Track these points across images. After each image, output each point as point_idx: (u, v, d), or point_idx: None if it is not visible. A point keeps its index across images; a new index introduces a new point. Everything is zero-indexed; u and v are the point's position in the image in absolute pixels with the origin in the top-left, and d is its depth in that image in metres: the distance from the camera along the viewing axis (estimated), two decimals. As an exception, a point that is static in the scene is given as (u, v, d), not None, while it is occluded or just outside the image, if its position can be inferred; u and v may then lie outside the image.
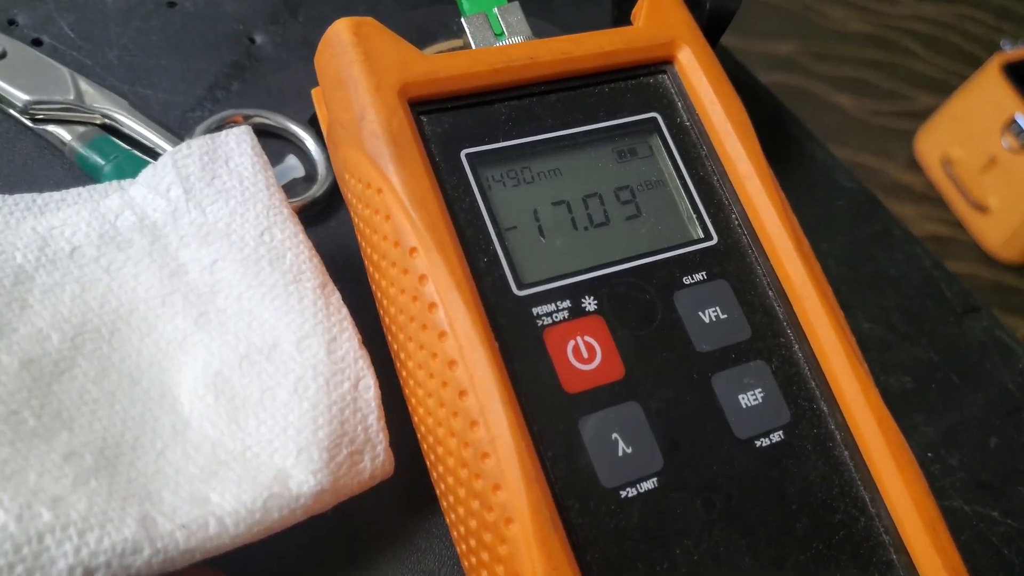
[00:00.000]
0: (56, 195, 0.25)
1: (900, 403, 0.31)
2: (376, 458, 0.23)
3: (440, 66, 0.24)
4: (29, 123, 0.29)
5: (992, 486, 0.30)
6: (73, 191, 0.25)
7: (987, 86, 1.53)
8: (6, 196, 0.24)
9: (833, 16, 1.84)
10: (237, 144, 0.25)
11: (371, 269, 0.24)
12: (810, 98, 1.70)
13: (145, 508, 0.20)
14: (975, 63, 1.69)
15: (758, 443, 0.23)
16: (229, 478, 0.21)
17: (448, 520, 0.22)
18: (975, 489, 0.30)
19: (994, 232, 1.56)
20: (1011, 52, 1.54)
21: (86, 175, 0.29)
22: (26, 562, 0.17)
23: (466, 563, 0.22)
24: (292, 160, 0.31)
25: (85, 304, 0.23)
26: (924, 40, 1.84)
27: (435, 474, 0.23)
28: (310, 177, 0.31)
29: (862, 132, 1.68)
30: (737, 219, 0.25)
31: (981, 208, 1.56)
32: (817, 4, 1.86)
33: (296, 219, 0.24)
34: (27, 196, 0.24)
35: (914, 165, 1.66)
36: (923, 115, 1.69)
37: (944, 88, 1.71)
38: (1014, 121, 1.47)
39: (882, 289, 0.34)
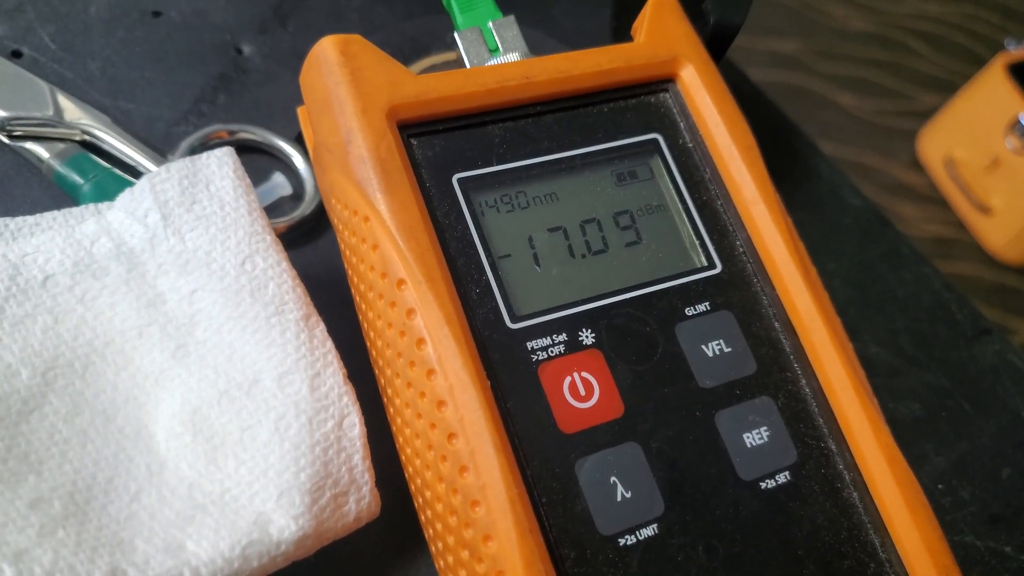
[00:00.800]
0: (30, 219, 0.23)
1: (909, 432, 0.30)
2: (362, 499, 0.22)
3: (431, 87, 0.23)
4: (6, 140, 0.28)
5: (1005, 519, 0.29)
6: (47, 215, 0.24)
7: (991, 86, 1.52)
8: (-21, 221, 0.23)
9: (836, 14, 1.83)
10: (219, 167, 0.24)
11: (358, 299, 0.23)
12: (812, 97, 1.69)
13: (116, 559, 0.19)
14: (979, 63, 1.67)
15: (763, 485, 0.22)
16: (206, 523, 0.20)
17: (437, 567, 0.21)
18: (987, 523, 0.29)
19: (997, 233, 1.55)
20: (1016, 52, 1.53)
21: (64, 195, 0.28)
22: (-15, 624, 0.16)
23: (456, 613, 0.21)
24: (279, 178, 0.30)
25: (58, 336, 0.22)
26: (928, 39, 1.83)
27: (423, 517, 0.22)
28: (297, 195, 0.30)
29: (864, 132, 1.67)
30: (742, 246, 0.24)
31: (984, 209, 1.54)
32: (820, 2, 1.84)
33: (280, 246, 0.23)
34: (-1, 221, 0.23)
35: (917, 165, 1.65)
36: (926, 115, 1.67)
37: (948, 88, 1.70)
38: (1018, 122, 1.46)
39: (890, 312, 0.33)
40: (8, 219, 0.23)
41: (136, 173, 0.28)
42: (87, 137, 0.29)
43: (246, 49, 0.34)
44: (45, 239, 0.23)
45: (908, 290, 0.34)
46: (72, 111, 0.29)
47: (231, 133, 0.30)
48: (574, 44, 0.35)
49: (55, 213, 0.24)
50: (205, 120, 0.31)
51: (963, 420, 0.31)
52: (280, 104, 0.32)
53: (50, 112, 0.28)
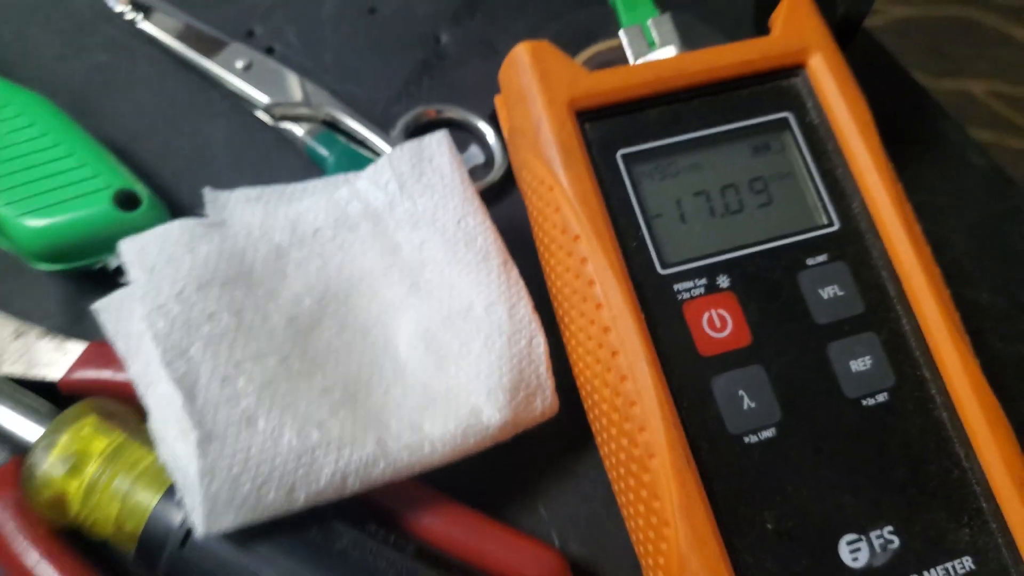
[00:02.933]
0: (299, 186, 0.32)
1: (1016, 370, 0.34)
2: (545, 400, 0.29)
3: (602, 81, 0.29)
4: (269, 121, 0.37)
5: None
6: (311, 183, 0.32)
7: None
8: (264, 188, 0.31)
9: (1017, -61, 1.70)
10: (438, 147, 0.31)
11: (542, 249, 0.30)
12: (983, 31, 1.60)
13: (379, 431, 0.27)
14: None
15: (864, 402, 0.27)
16: (437, 411, 0.28)
17: (602, 452, 0.28)
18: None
19: None
20: None
21: (313, 164, 0.36)
22: (303, 467, 0.25)
23: (616, 487, 0.28)
24: (474, 148, 0.37)
25: (327, 274, 0.30)
26: (1124, -39, 1.67)
27: (591, 416, 0.28)
28: (488, 164, 0.37)
29: (1043, 67, 1.56)
30: (857, 208, 0.29)
31: None
32: (1000, -74, 1.72)
33: (485, 209, 0.30)
34: (278, 187, 0.31)
35: (1103, 102, 1.53)
36: (1117, 47, 1.55)
37: None
38: None
39: (1008, 262, 0.36)
40: (284, 186, 0.32)
41: (367, 147, 0.36)
42: (329, 117, 0.37)
43: (443, 37, 0.41)
44: (312, 202, 0.31)
45: (1026, 243, 0.37)
46: (317, 96, 0.37)
47: (437, 112, 0.37)
48: (721, 26, 0.40)
49: (316, 181, 0.32)
50: (413, 100, 0.39)
51: (1070, 361, 0.34)
52: (472, 85, 0.39)
53: (300, 98, 0.37)
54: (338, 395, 0.27)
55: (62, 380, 0.29)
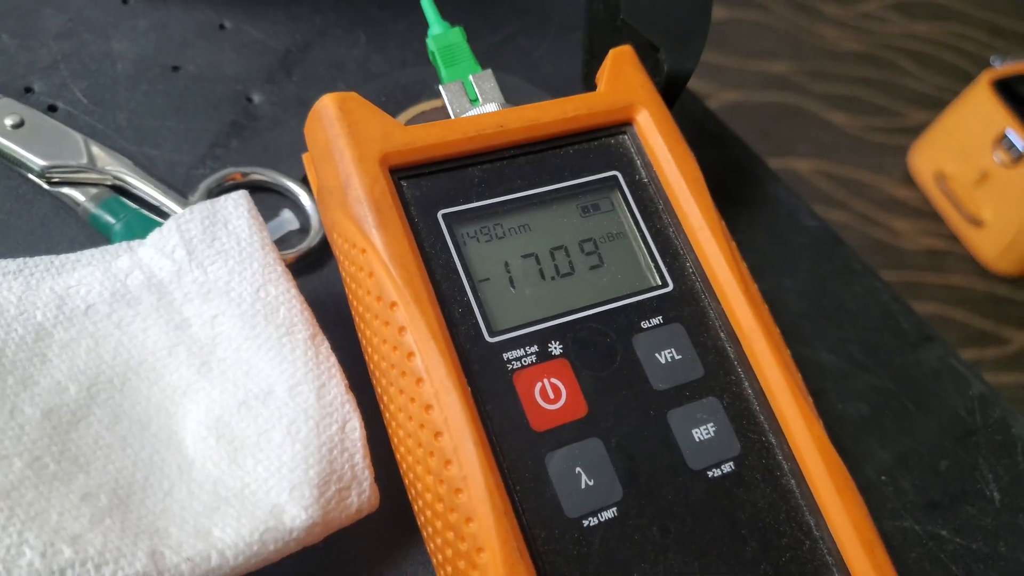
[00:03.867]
0: (72, 256, 0.27)
1: (856, 430, 0.34)
2: (363, 493, 0.25)
3: (418, 136, 0.27)
4: (46, 186, 0.32)
5: (942, 505, 0.32)
6: (87, 252, 0.27)
7: (978, 102, 1.56)
8: (27, 259, 0.26)
9: (827, 35, 1.87)
10: (235, 208, 0.27)
11: (357, 320, 0.26)
12: (806, 116, 1.73)
13: (154, 543, 0.22)
14: (966, 79, 1.71)
15: (710, 474, 0.25)
16: (229, 513, 0.23)
17: (428, 549, 0.25)
18: (925, 509, 0.32)
19: (989, 245, 1.58)
20: (1001, 68, 1.57)
21: (98, 233, 0.32)
22: (50, 594, 0.20)
23: (445, 588, 0.24)
24: (287, 214, 0.33)
25: (99, 357, 0.25)
26: (916, 58, 1.87)
27: (416, 507, 0.25)
28: (304, 229, 0.33)
29: (857, 148, 1.70)
30: (691, 267, 0.28)
31: (975, 222, 1.58)
32: (811, 24, 1.88)
33: (289, 275, 0.27)
34: (45, 259, 0.27)
35: (909, 180, 1.68)
36: (916, 131, 1.71)
37: (937, 104, 1.73)
38: (1005, 136, 1.50)
39: (842, 322, 0.36)
40: (53, 256, 0.27)
41: (161, 213, 0.32)
42: (117, 182, 0.32)
43: (255, 98, 0.37)
44: (86, 273, 0.27)
45: (858, 302, 0.37)
46: (103, 158, 0.33)
47: (244, 175, 0.33)
48: (551, 87, 0.39)
49: (93, 251, 0.27)
50: (220, 163, 0.35)
51: (906, 418, 0.34)
52: (287, 147, 0.36)
53: (84, 160, 0.32)
54: (104, 500, 0.23)
55: None
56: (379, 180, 0.26)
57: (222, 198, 0.27)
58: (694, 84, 1.70)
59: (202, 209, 0.27)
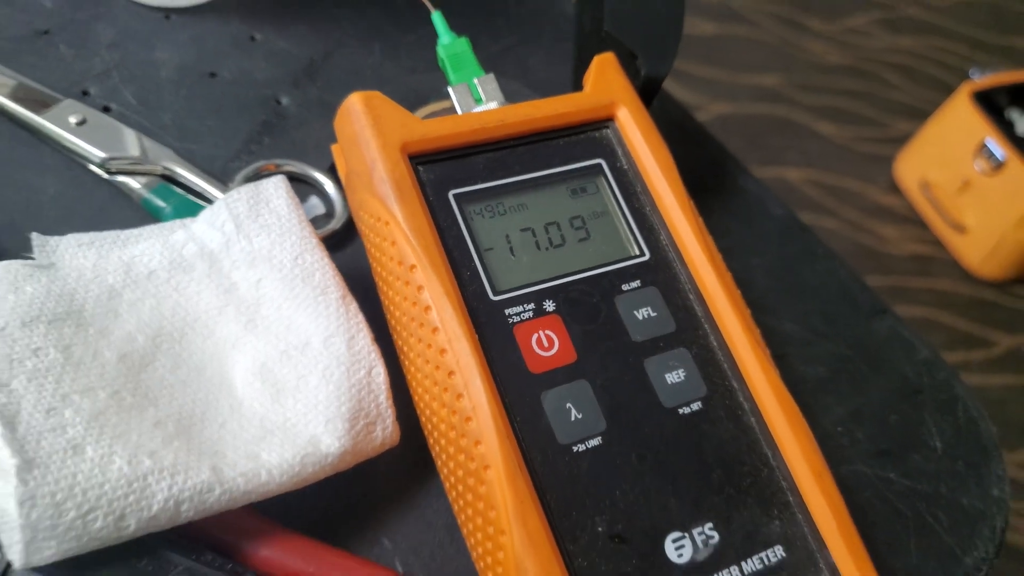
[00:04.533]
0: (134, 231, 0.32)
1: (816, 388, 0.38)
2: (386, 428, 0.30)
3: (432, 128, 0.31)
4: (105, 175, 0.37)
5: (890, 453, 0.37)
6: (147, 228, 0.32)
7: (958, 113, 1.61)
8: (97, 233, 0.31)
9: (814, 50, 1.92)
10: (275, 189, 0.32)
11: (380, 283, 0.31)
12: (794, 127, 1.78)
13: (214, 461, 0.26)
14: (948, 91, 1.76)
15: (681, 411, 0.30)
16: (274, 442, 0.28)
17: (442, 473, 0.29)
18: (876, 456, 0.36)
19: (973, 250, 1.63)
20: (980, 80, 1.62)
21: (150, 216, 0.36)
22: (134, 494, 0.24)
23: (456, 505, 0.29)
24: (314, 200, 0.38)
25: (160, 314, 0.30)
26: (900, 70, 1.92)
27: (431, 438, 0.29)
28: (329, 214, 0.38)
29: (844, 158, 1.75)
30: (664, 239, 0.32)
31: (959, 228, 1.62)
32: (798, 39, 1.94)
33: (323, 246, 0.31)
34: (112, 233, 0.31)
35: (895, 188, 1.73)
36: (901, 140, 1.76)
37: (920, 115, 1.79)
38: (985, 145, 1.55)
39: (804, 296, 0.41)
40: (119, 231, 0.31)
41: (204, 198, 0.37)
42: (166, 172, 0.37)
43: (284, 100, 0.42)
44: (147, 245, 0.31)
45: (819, 280, 0.42)
46: (154, 151, 0.37)
47: (277, 166, 0.38)
48: (544, 90, 0.43)
49: (152, 226, 0.32)
50: (254, 157, 0.39)
51: (860, 379, 0.39)
52: (312, 143, 0.40)
53: (137, 153, 0.37)
54: (171, 428, 0.27)
55: None
56: (400, 165, 0.30)
57: (263, 181, 0.32)
58: (687, 96, 1.76)
59: (247, 190, 0.32)
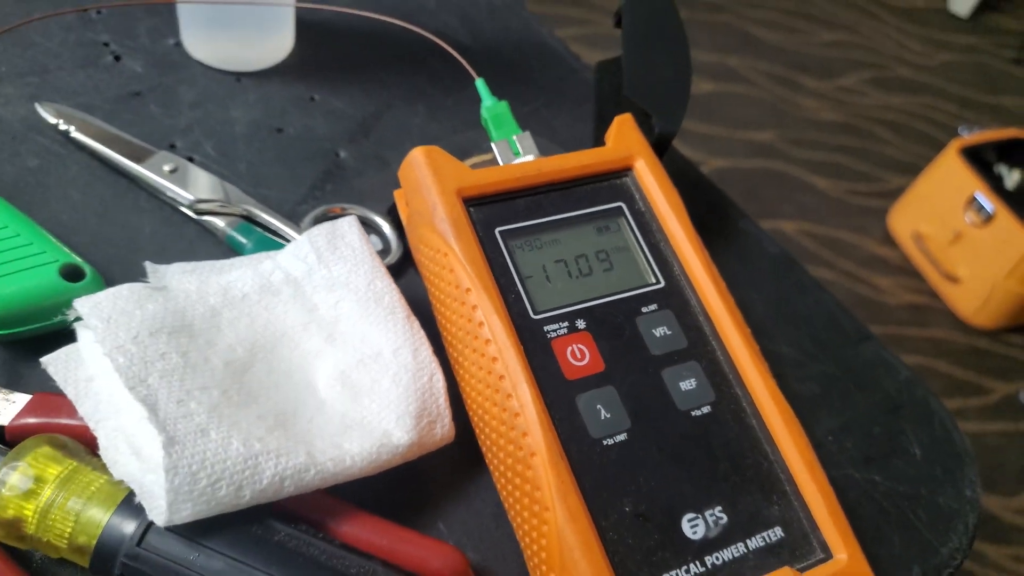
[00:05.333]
0: (227, 261, 0.38)
1: (809, 404, 0.43)
2: (444, 427, 0.35)
3: (481, 176, 0.37)
4: (193, 215, 0.43)
5: (876, 460, 0.42)
6: (238, 259, 0.38)
7: (949, 168, 1.68)
8: (197, 263, 0.37)
9: (808, 106, 2.01)
10: (349, 227, 0.38)
11: (437, 304, 0.37)
12: (790, 181, 1.86)
13: (308, 448, 0.32)
14: (939, 146, 1.84)
15: (693, 413, 0.35)
16: (354, 434, 0.33)
17: (491, 464, 0.34)
18: (863, 462, 0.42)
19: (966, 301, 1.68)
20: (969, 137, 1.70)
21: (233, 251, 0.42)
22: (249, 469, 0.29)
23: (504, 491, 0.34)
24: (373, 238, 0.44)
25: (254, 330, 0.36)
26: (892, 127, 2.00)
27: (482, 435, 0.35)
28: (385, 251, 0.44)
29: (839, 211, 1.82)
30: (677, 270, 0.38)
31: (952, 279, 1.68)
32: (793, 96, 2.03)
33: (390, 275, 0.37)
34: (210, 262, 0.37)
35: (889, 240, 1.80)
36: (894, 194, 1.83)
37: (912, 169, 1.86)
38: (974, 199, 1.62)
39: (797, 323, 0.46)
40: (215, 261, 0.37)
41: (279, 236, 0.43)
42: (246, 212, 0.43)
43: (342, 153, 0.48)
44: (240, 273, 0.37)
45: (810, 310, 0.47)
46: (235, 195, 0.43)
47: (343, 209, 0.44)
48: (568, 146, 0.50)
49: (242, 258, 0.38)
50: (318, 201, 0.46)
51: (848, 396, 0.44)
52: (368, 191, 0.46)
53: (221, 196, 0.43)
54: (271, 421, 0.32)
55: (9, 425, 0.33)
56: (456, 206, 0.36)
57: (338, 220, 0.38)
58: (689, 151, 1.84)
59: (326, 227, 0.38)
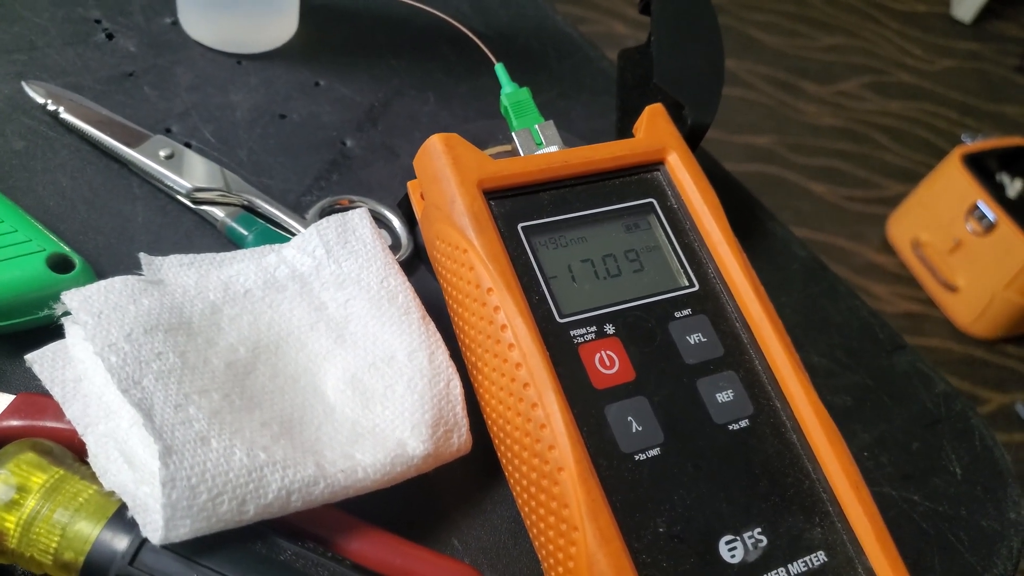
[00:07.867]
0: (228, 254, 0.35)
1: (843, 416, 0.41)
2: (461, 436, 0.32)
3: (504, 167, 0.35)
4: (191, 204, 0.40)
5: (913, 477, 0.39)
6: (239, 252, 0.35)
7: (950, 175, 1.67)
8: (196, 255, 0.34)
9: (807, 111, 2.00)
10: (360, 220, 0.35)
11: (454, 304, 0.34)
12: (788, 186, 1.84)
13: (317, 457, 0.29)
14: (939, 154, 1.83)
15: (731, 427, 0.32)
16: (367, 444, 0.30)
17: (512, 478, 0.32)
18: (900, 480, 0.39)
19: (964, 310, 1.67)
20: (971, 144, 1.69)
21: (233, 243, 0.39)
22: (253, 483, 0.27)
23: (526, 507, 0.31)
24: (381, 233, 0.41)
25: (257, 328, 0.33)
26: (892, 133, 1.99)
27: (503, 446, 0.32)
28: (395, 246, 0.41)
29: (837, 217, 1.81)
30: (712, 272, 0.36)
31: (950, 288, 1.67)
32: (792, 100, 2.01)
33: (403, 272, 0.35)
34: (209, 255, 0.34)
35: (887, 247, 1.78)
36: (893, 201, 1.82)
37: (912, 177, 1.85)
38: (976, 207, 1.60)
39: (829, 332, 0.44)
40: (215, 254, 0.35)
41: (282, 227, 0.40)
42: (247, 202, 0.40)
43: (348, 142, 0.46)
44: (242, 267, 0.34)
45: (842, 317, 0.45)
46: (236, 184, 0.40)
47: (351, 201, 0.41)
48: (586, 139, 0.47)
49: (246, 250, 0.35)
50: (324, 193, 0.43)
51: (883, 409, 0.42)
52: (376, 182, 0.44)
53: (221, 184, 0.40)
54: (276, 428, 0.30)
55: (-10, 429, 0.30)
56: (477, 199, 0.34)
57: (349, 212, 0.35)
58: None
59: (336, 220, 0.35)
